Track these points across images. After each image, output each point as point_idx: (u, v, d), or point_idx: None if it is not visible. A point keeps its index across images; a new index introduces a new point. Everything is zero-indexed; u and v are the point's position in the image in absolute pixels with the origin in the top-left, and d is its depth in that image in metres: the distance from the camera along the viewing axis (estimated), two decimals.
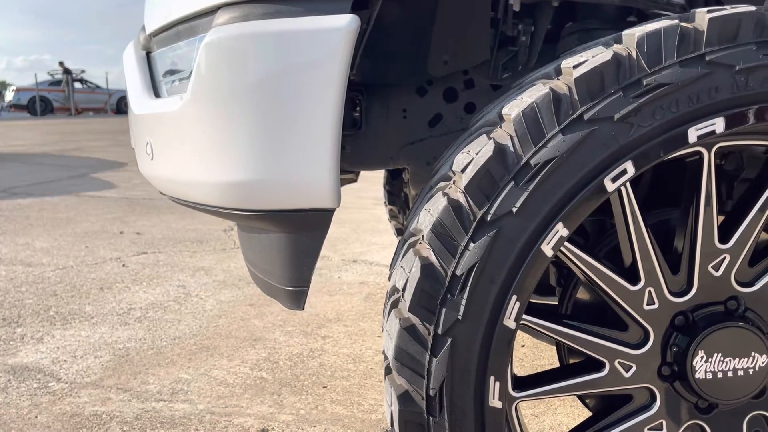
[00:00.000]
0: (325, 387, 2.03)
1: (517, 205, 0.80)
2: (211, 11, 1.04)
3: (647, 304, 0.97)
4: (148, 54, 1.40)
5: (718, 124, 0.82)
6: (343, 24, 0.91)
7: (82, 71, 27.94)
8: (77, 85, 27.61)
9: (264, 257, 1.13)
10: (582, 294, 1.06)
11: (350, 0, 0.94)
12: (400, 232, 2.86)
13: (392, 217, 2.86)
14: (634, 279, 0.96)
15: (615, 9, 1.33)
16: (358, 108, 1.43)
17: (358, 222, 4.39)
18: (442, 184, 0.91)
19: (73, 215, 4.89)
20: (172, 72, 1.23)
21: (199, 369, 2.17)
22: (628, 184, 0.84)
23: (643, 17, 1.36)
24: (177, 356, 2.28)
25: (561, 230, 0.82)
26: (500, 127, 0.86)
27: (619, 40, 0.87)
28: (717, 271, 0.97)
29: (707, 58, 0.81)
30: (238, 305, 2.81)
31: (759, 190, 0.94)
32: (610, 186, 0.82)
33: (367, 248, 3.86)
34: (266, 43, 0.94)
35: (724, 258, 0.97)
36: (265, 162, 0.98)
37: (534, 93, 0.84)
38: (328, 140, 0.95)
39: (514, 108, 0.85)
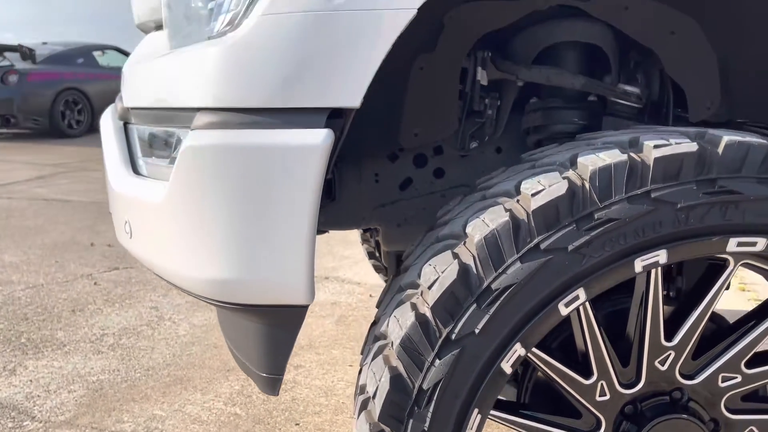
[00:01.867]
0: (298, 424, 2.09)
1: (479, 326, 0.87)
2: (191, 109, 1.07)
3: (599, 396, 1.05)
4: (125, 124, 1.43)
5: (662, 256, 0.89)
6: (318, 141, 0.96)
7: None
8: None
9: (240, 341, 1.18)
10: (538, 386, 1.13)
11: (325, 114, 0.99)
12: (371, 255, 2.91)
13: (364, 240, 2.92)
14: (587, 373, 1.04)
15: (577, 90, 1.40)
16: (332, 179, 1.48)
17: (330, 233, 4.44)
18: (410, 292, 0.97)
19: (41, 223, 4.84)
20: (150, 153, 1.27)
21: (174, 404, 2.21)
22: (583, 305, 0.91)
23: (603, 97, 1.44)
24: (151, 390, 2.31)
25: (519, 350, 0.89)
26: (464, 244, 0.92)
27: (574, 164, 0.93)
28: (663, 365, 1.05)
29: (652, 195, 0.88)
30: (211, 330, 2.84)
31: (701, 294, 1.02)
32: (564, 310, 0.89)
33: (339, 263, 3.92)
34: (244, 154, 0.99)
35: (670, 354, 1.05)
36: (242, 262, 1.02)
37: (495, 218, 0.90)
38: (303, 243, 1.00)
39: (477, 230, 0.91)
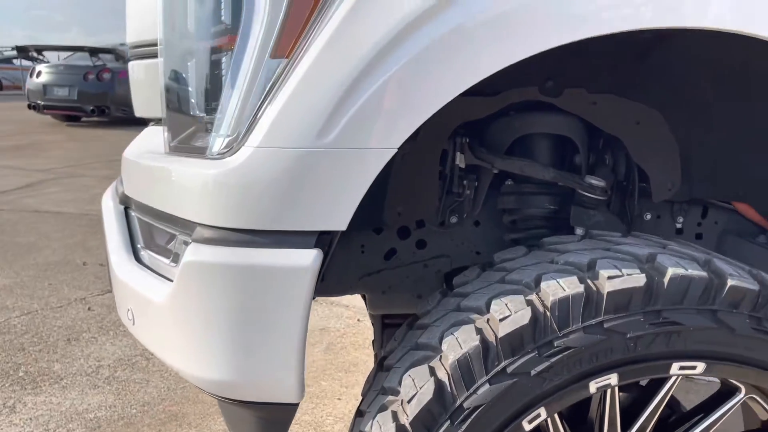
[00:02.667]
0: None
1: None
2: (192, 222, 1.17)
3: None
4: (126, 209, 1.52)
5: (613, 379, 1.00)
6: (308, 263, 1.06)
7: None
8: (28, 63, 26.70)
9: (238, 427, 1.28)
10: None
11: (314, 236, 1.09)
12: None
13: None
14: None
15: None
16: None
17: None
18: (391, 398, 1.07)
19: (33, 240, 4.90)
20: (152, 246, 1.36)
21: None
22: (545, 420, 1.02)
23: None
24: (147, 427, 2.41)
25: None
26: (440, 360, 1.03)
27: (538, 286, 1.04)
28: None
29: (605, 326, 0.99)
30: None
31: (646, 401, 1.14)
32: (527, 426, 1.00)
33: None
34: (241, 272, 1.09)
35: None
36: (239, 366, 1.12)
37: (467, 339, 1.01)
38: (293, 350, 1.10)
39: (451, 350, 1.02)
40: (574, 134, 1.53)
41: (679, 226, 1.68)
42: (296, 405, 1.17)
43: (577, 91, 1.48)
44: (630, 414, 1.16)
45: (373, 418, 1.09)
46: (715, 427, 1.16)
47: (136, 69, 1.51)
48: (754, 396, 1.13)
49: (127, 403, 2.58)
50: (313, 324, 3.39)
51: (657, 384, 1.11)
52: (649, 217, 1.68)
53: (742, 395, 1.12)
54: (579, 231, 1.49)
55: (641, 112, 1.52)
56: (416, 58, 1.01)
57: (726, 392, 1.14)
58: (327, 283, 1.67)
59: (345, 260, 1.65)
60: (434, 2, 1.02)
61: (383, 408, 1.08)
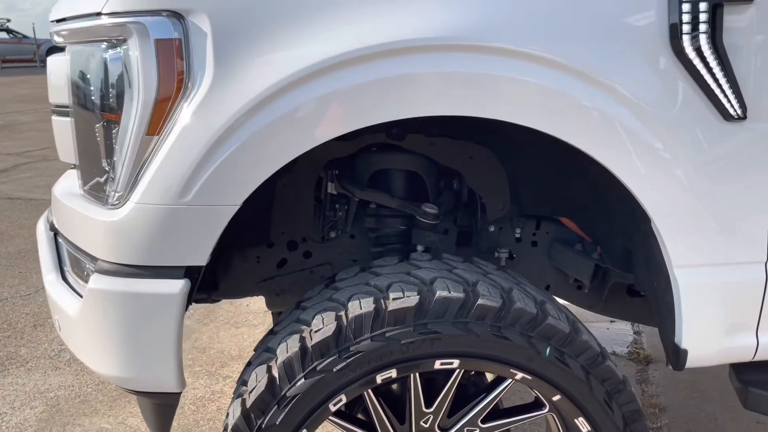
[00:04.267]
0: None
1: (278, 420, 1.36)
2: (94, 256, 1.52)
3: None
4: (55, 235, 1.87)
5: (393, 372, 1.38)
6: (177, 290, 1.42)
7: (8, 20, 26.79)
8: (2, 35, 26.46)
9: (141, 407, 1.66)
10: None
11: (183, 269, 1.45)
12: None
13: None
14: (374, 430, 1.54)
15: None
16: (215, 274, 1.93)
17: None
18: (243, 389, 1.45)
19: (5, 228, 5.22)
20: (73, 269, 1.71)
21: (118, 417, 2.70)
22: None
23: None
24: (100, 404, 2.80)
25: None
26: (275, 361, 1.41)
27: (347, 305, 1.41)
28: (426, 423, 1.56)
29: (387, 335, 1.36)
30: None
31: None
32: (332, 408, 1.38)
33: None
34: (129, 296, 1.44)
35: (429, 416, 1.55)
36: (132, 366, 1.49)
37: (293, 345, 1.39)
38: (171, 352, 1.47)
39: (282, 353, 1.39)
40: (420, 169, 1.89)
41: (518, 235, 2.05)
42: (179, 393, 1.55)
43: (417, 135, 1.83)
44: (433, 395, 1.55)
45: (231, 404, 1.47)
46: (493, 404, 1.55)
47: (57, 123, 1.84)
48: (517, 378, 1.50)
49: (84, 383, 2.96)
50: (258, 307, 3.77)
51: (448, 375, 1.50)
52: (492, 228, 2.04)
53: (509, 382, 1.50)
54: (419, 248, 1.87)
55: (473, 149, 1.88)
56: (245, 143, 1.35)
57: (498, 380, 1.53)
58: (230, 288, 2.04)
59: (244, 269, 2.01)
60: (264, 97, 1.35)
61: (238, 396, 1.46)
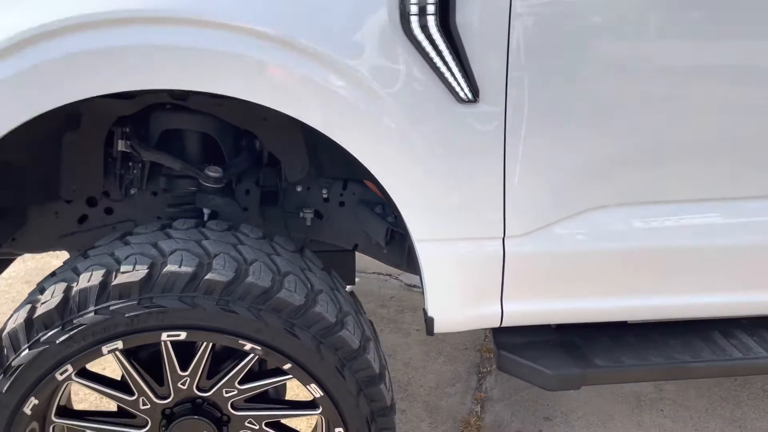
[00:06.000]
0: None
1: (4, 389, 1.40)
2: None
3: (143, 405, 1.61)
4: None
5: (119, 344, 1.42)
6: None
7: None
8: None
9: None
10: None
11: None
12: None
13: None
14: (131, 393, 1.59)
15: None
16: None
17: None
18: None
19: None
20: None
21: None
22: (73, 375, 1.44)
23: None
24: None
25: (34, 401, 1.42)
26: (4, 330, 1.43)
27: (76, 276, 1.42)
28: (183, 386, 1.61)
29: (111, 308, 1.39)
30: None
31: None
32: (59, 378, 1.43)
33: None
34: None
35: (186, 378, 1.60)
36: None
37: (20, 317, 1.41)
38: None
39: (8, 324, 1.42)
40: (210, 129, 1.86)
41: (325, 196, 2.06)
42: None
43: (201, 95, 1.79)
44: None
45: None
46: (248, 366, 1.60)
47: None
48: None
49: None
50: None
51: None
52: (300, 189, 2.05)
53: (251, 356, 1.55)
54: (206, 211, 1.87)
55: (267, 110, 1.85)
56: None
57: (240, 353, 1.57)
58: (29, 242, 2.03)
59: (41, 224, 2.00)
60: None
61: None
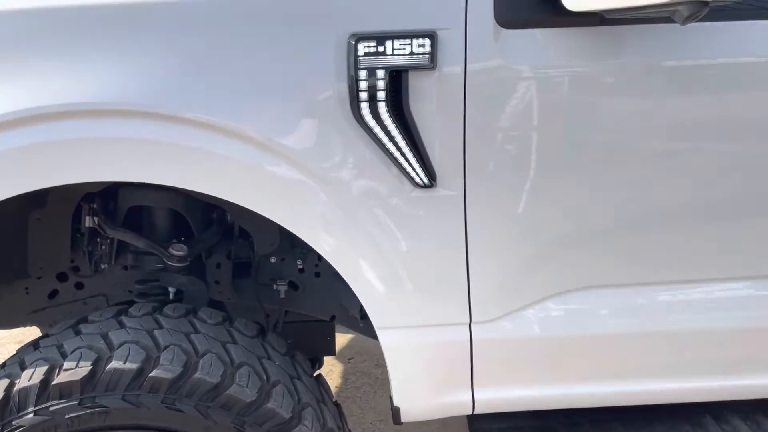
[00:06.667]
0: None
1: None
2: None
3: None
4: None
5: None
6: None
7: None
8: None
9: None
10: None
11: None
12: None
13: None
14: None
15: None
16: None
17: None
18: None
19: None
20: None
21: None
22: None
23: None
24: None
25: None
26: None
27: (19, 374, 1.37)
28: None
29: (50, 409, 1.34)
30: None
31: None
32: None
33: None
34: None
35: None
36: None
37: None
38: None
39: None
40: (178, 205, 1.82)
41: (300, 267, 2.00)
42: None
43: None
44: None
45: None
46: None
47: None
48: None
49: None
50: None
51: None
52: (274, 260, 2.00)
53: None
54: (171, 290, 1.82)
55: None
56: None
57: None
58: (0, 318, 2.00)
59: (11, 300, 1.97)
60: None
61: None
